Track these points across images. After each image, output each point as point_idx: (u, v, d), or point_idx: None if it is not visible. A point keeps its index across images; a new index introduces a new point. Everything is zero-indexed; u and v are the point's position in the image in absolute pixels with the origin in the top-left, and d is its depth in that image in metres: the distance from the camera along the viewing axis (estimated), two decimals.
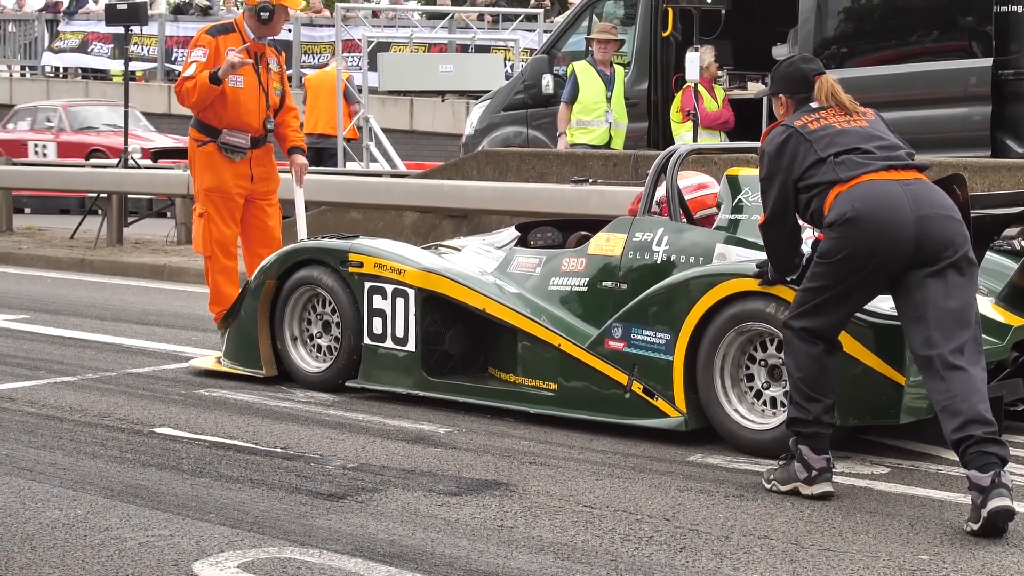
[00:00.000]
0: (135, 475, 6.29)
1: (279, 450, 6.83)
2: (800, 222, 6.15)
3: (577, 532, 5.49)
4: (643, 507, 5.85)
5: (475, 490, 6.09)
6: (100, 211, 18.06)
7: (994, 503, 5.40)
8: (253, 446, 6.91)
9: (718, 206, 7.48)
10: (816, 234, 6.11)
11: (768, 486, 6.09)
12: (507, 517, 5.68)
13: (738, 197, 7.33)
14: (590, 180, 11.30)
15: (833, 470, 6.04)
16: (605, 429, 7.20)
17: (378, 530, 5.48)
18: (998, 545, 5.38)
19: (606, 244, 7.63)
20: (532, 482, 6.23)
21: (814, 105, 6.10)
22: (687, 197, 7.68)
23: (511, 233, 8.66)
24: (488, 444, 7.00)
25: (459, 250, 8.60)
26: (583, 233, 8.18)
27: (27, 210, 24.40)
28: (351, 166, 19.81)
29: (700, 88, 14.05)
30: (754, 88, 15.18)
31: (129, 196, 18.36)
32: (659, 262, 7.37)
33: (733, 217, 7.31)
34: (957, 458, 6.54)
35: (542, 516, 5.70)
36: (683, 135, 14.13)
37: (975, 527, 5.46)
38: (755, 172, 7.52)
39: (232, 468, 6.45)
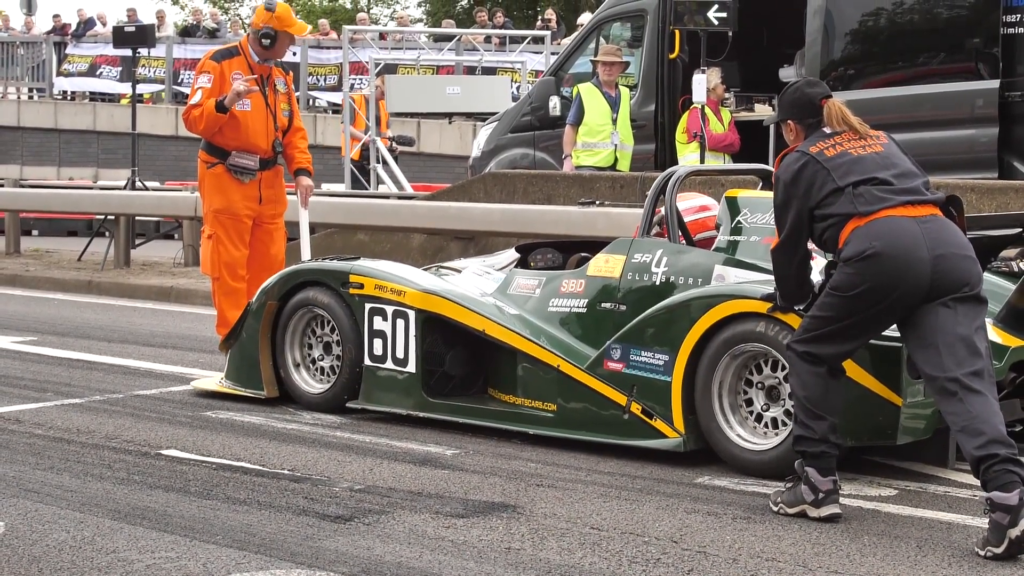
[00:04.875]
0: (142, 497, 6.28)
1: (286, 472, 6.83)
2: (811, 248, 6.14)
3: (584, 554, 5.48)
4: (650, 529, 5.84)
5: (482, 512, 6.09)
6: (108, 233, 18.10)
7: None
8: (260, 468, 6.91)
9: (717, 227, 7.48)
10: (825, 256, 6.11)
11: (775, 508, 6.08)
12: (514, 539, 5.68)
13: (737, 218, 7.34)
14: (597, 202, 11.31)
15: (840, 492, 6.03)
16: (611, 451, 7.20)
17: (385, 552, 5.48)
18: (1006, 567, 5.36)
19: (605, 266, 7.64)
20: (539, 504, 6.22)
21: (827, 130, 6.07)
22: (688, 219, 7.68)
23: (511, 254, 8.67)
24: (495, 466, 7.00)
25: (459, 271, 8.61)
26: (583, 255, 8.19)
27: (35, 232, 24.46)
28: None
29: (707, 110, 14.07)
30: (761, 110, 15.21)
31: (136, 218, 18.39)
32: (658, 283, 7.37)
33: (732, 238, 7.31)
34: (963, 479, 6.56)
35: (549, 538, 5.69)
36: (688, 156, 14.15)
37: (997, 550, 5.40)
38: (754, 194, 7.57)
39: (239, 490, 6.45)
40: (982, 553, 5.45)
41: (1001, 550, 5.40)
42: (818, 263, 6.33)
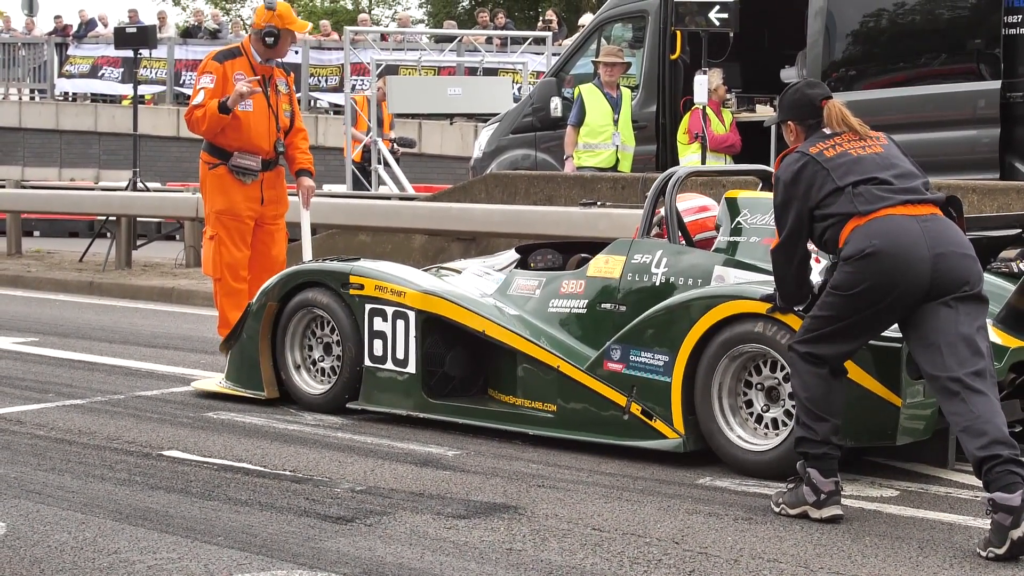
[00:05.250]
0: (144, 498, 6.29)
1: (288, 473, 6.83)
2: (811, 249, 6.15)
3: (586, 555, 5.48)
4: (652, 530, 5.84)
5: (484, 513, 6.09)
6: (109, 234, 18.10)
7: None
8: (262, 469, 6.91)
9: (717, 228, 7.49)
10: (830, 259, 6.11)
11: (777, 509, 6.08)
12: (516, 540, 5.68)
13: (737, 219, 7.34)
14: (598, 203, 11.31)
15: (842, 493, 6.02)
16: (613, 452, 7.20)
17: (387, 553, 5.48)
18: (1008, 568, 5.36)
19: (605, 266, 7.64)
20: (541, 505, 6.22)
21: (827, 131, 6.08)
22: (687, 219, 7.68)
23: (511, 255, 8.67)
24: (497, 467, 7.00)
25: (459, 272, 8.61)
26: (583, 255, 8.20)
27: (36, 233, 24.47)
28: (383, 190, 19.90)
29: (708, 111, 14.07)
30: (762, 111, 15.20)
31: (138, 219, 18.40)
32: (658, 284, 7.37)
33: (732, 239, 7.31)
34: (965, 480, 6.56)
35: (551, 539, 5.69)
36: (689, 157, 14.15)
37: (999, 551, 5.39)
38: (754, 194, 7.57)
39: (241, 491, 6.45)
40: (984, 554, 5.45)
41: (1003, 551, 5.39)
42: (818, 264, 6.33)
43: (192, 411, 8.39)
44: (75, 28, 31.97)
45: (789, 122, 6.24)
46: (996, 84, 12.33)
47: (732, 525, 5.93)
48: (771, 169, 7.28)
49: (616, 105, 14.11)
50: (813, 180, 5.94)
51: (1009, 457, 5.47)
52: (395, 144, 20.64)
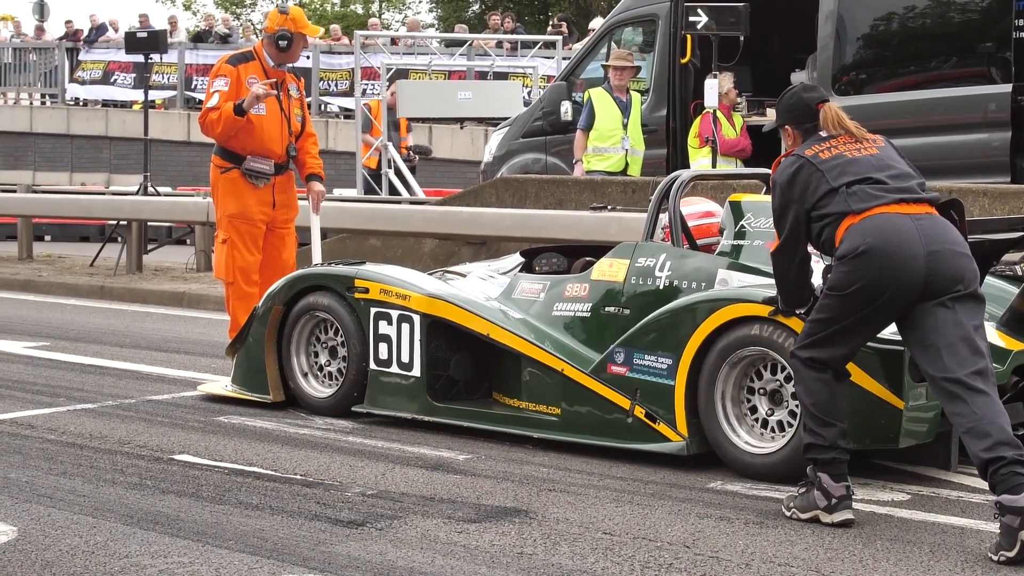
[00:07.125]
0: (155, 502, 6.29)
1: (299, 477, 6.83)
2: (811, 251, 6.16)
3: (597, 559, 5.48)
4: (663, 534, 5.84)
5: (495, 517, 6.08)
6: (120, 238, 18.13)
7: None
8: (273, 473, 6.91)
9: (721, 232, 7.49)
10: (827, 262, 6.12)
11: (788, 514, 6.07)
12: (527, 544, 5.67)
13: (740, 223, 7.34)
14: (609, 207, 11.31)
15: (853, 497, 6.02)
16: (623, 455, 7.19)
17: (397, 557, 5.47)
18: (1019, 572, 5.34)
19: (609, 270, 7.65)
20: (552, 509, 6.22)
21: (823, 134, 6.10)
22: (692, 224, 7.70)
23: (516, 259, 8.68)
24: (507, 471, 6.99)
25: (464, 276, 8.62)
26: (588, 259, 8.21)
27: (47, 238, 24.51)
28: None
29: (719, 115, 14.06)
30: (773, 115, 15.17)
31: (148, 223, 18.41)
32: (661, 288, 7.38)
33: (736, 243, 7.32)
34: (976, 483, 6.55)
35: (562, 543, 5.69)
36: (700, 161, 14.13)
37: (1010, 554, 5.38)
38: (757, 198, 7.58)
39: (252, 495, 6.45)
40: (995, 558, 5.44)
41: (1013, 554, 5.38)
42: (819, 267, 6.33)
43: (202, 415, 8.39)
44: (86, 33, 32.02)
45: (786, 126, 6.28)
46: (1007, 87, 12.32)
47: (743, 529, 5.93)
48: None
49: (626, 109, 14.10)
50: (808, 182, 5.96)
51: (1014, 458, 5.46)
52: (411, 152, 20.64)
